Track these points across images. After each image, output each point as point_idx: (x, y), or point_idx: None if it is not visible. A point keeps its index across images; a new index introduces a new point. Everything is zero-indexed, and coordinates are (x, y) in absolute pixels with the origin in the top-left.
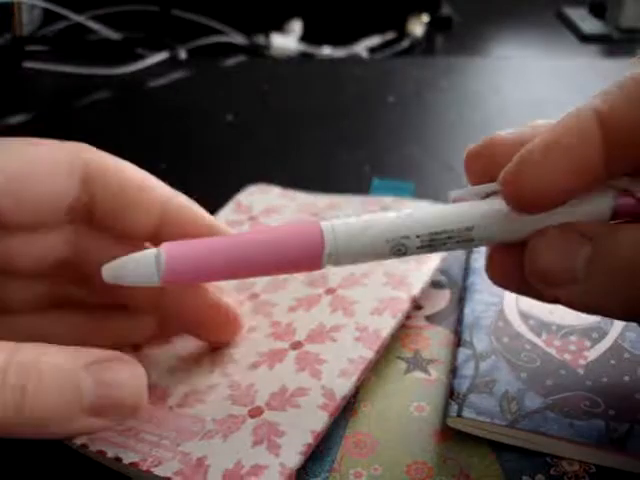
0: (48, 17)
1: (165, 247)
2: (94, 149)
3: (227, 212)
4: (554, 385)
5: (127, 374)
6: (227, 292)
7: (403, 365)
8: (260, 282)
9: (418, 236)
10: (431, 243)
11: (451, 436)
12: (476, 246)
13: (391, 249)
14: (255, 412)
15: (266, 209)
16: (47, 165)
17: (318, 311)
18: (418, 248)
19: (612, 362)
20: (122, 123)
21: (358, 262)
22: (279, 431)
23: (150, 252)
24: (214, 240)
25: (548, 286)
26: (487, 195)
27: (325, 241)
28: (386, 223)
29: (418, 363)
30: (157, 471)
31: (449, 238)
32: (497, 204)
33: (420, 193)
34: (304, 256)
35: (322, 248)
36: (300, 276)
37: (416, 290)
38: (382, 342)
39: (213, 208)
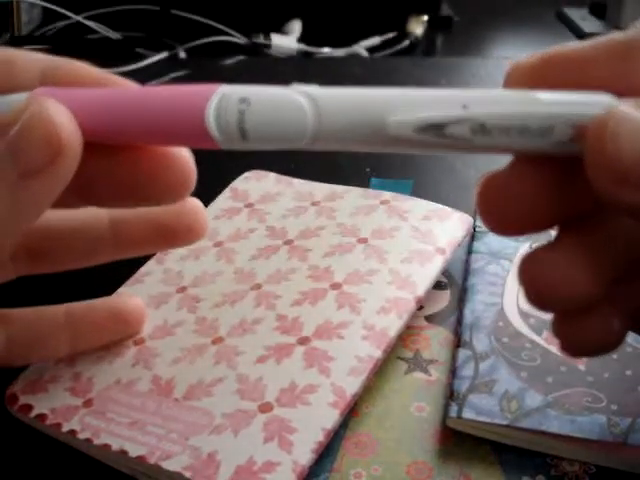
0: (47, 16)
1: (38, 90)
2: None
3: (223, 200)
4: (555, 382)
5: (32, 117)
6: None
7: (403, 365)
8: (262, 272)
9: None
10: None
11: (451, 436)
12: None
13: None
14: (265, 408)
15: (263, 196)
16: None
17: (324, 306)
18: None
19: (614, 356)
20: None
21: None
22: (290, 428)
23: (21, 94)
24: (98, 90)
25: (632, 189)
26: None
27: (207, 119)
28: (299, 137)
29: (418, 363)
30: (166, 465)
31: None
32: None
33: (420, 194)
34: (186, 115)
35: (205, 104)
36: (304, 269)
37: (421, 291)
38: (389, 342)
39: (208, 197)
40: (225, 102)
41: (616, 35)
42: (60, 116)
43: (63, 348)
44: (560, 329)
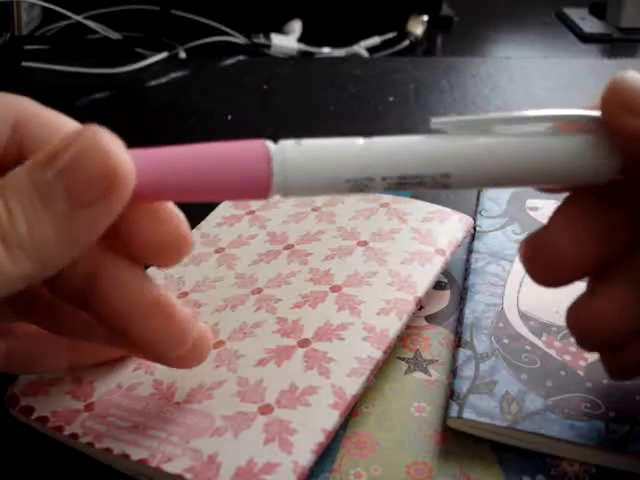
0: (47, 16)
1: None
2: (29, 100)
3: (225, 207)
4: (554, 386)
5: (84, 146)
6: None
7: (403, 365)
8: (263, 277)
9: (384, 178)
10: (398, 186)
11: (451, 436)
12: (454, 188)
13: (350, 188)
14: (265, 409)
15: (264, 203)
16: None
17: (324, 309)
18: (384, 189)
19: None
20: (121, 123)
21: (310, 195)
22: (290, 429)
23: None
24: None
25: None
26: (470, 127)
27: (274, 174)
28: (349, 159)
29: (418, 363)
30: (167, 467)
31: (420, 183)
32: (482, 144)
33: (420, 196)
34: (247, 187)
35: (269, 182)
36: (304, 273)
37: (421, 292)
38: (389, 343)
39: (211, 204)
40: (282, 141)
41: None
42: (115, 146)
43: (62, 365)
44: (606, 360)
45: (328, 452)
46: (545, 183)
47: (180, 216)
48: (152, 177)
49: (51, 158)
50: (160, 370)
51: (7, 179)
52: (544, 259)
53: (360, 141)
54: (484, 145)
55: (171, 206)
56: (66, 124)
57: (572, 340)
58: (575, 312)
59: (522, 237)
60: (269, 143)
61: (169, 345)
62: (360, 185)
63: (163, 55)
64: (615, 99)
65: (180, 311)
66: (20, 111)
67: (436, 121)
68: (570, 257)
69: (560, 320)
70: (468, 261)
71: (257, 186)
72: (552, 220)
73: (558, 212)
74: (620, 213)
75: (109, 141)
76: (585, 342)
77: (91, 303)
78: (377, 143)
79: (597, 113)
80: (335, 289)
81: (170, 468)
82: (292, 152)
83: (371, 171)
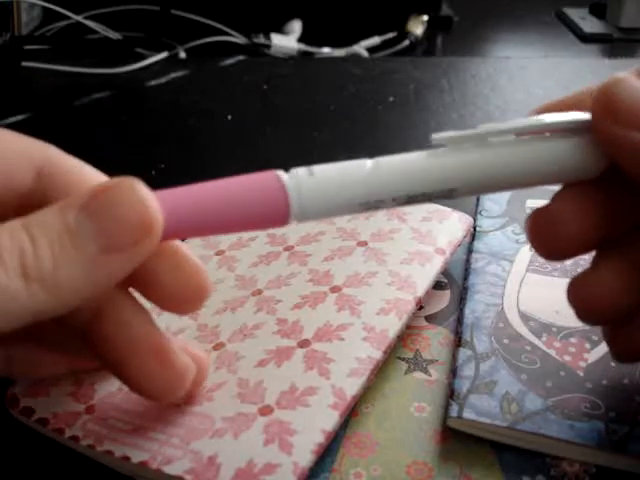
0: (47, 16)
1: None
2: (54, 147)
3: None
4: (554, 386)
5: (121, 194)
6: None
7: (403, 365)
8: (263, 278)
9: (394, 199)
10: (407, 203)
11: (451, 436)
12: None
13: (363, 209)
14: (265, 410)
15: None
16: (10, 148)
17: (324, 309)
18: (393, 206)
19: (612, 364)
20: (121, 123)
21: (325, 218)
22: (290, 430)
23: None
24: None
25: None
26: (469, 140)
27: (291, 205)
28: (360, 185)
29: (418, 363)
30: (167, 470)
31: (428, 199)
32: (481, 157)
33: None
34: (267, 220)
35: (287, 213)
36: (304, 274)
37: (421, 291)
38: (389, 343)
39: None
40: (294, 169)
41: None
42: (151, 198)
43: (62, 371)
44: (610, 338)
45: (328, 452)
46: (541, 184)
47: (200, 266)
48: (176, 217)
49: (85, 200)
50: None
51: (34, 216)
52: (547, 232)
53: (368, 163)
54: (483, 157)
55: (191, 255)
56: (90, 172)
57: (572, 340)
58: (576, 284)
59: (522, 237)
60: (281, 174)
61: (162, 392)
62: (372, 206)
63: (163, 55)
64: (603, 106)
65: (180, 360)
66: (46, 157)
67: (436, 137)
68: (571, 229)
69: (560, 320)
70: (468, 261)
71: (276, 217)
72: (555, 196)
73: (561, 189)
74: (624, 194)
75: (147, 192)
76: (586, 314)
77: (92, 337)
78: (384, 165)
79: (586, 116)
80: (335, 289)
81: (170, 470)
82: (307, 183)
83: (381, 194)
